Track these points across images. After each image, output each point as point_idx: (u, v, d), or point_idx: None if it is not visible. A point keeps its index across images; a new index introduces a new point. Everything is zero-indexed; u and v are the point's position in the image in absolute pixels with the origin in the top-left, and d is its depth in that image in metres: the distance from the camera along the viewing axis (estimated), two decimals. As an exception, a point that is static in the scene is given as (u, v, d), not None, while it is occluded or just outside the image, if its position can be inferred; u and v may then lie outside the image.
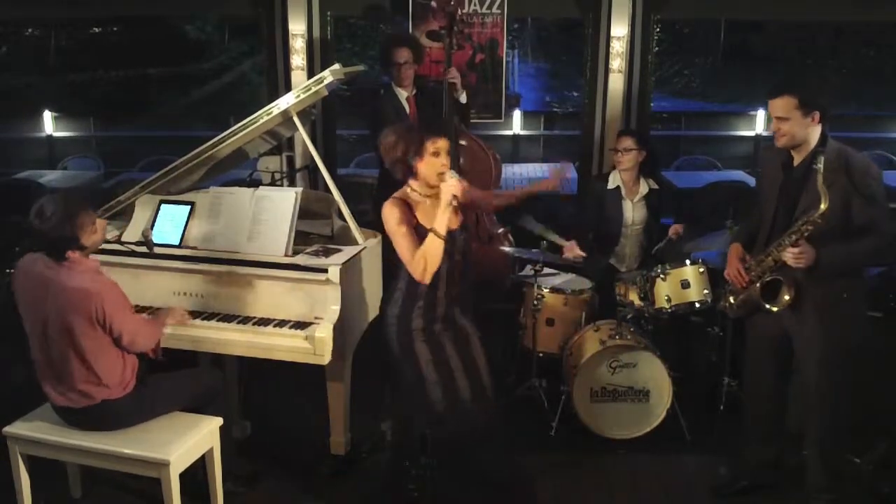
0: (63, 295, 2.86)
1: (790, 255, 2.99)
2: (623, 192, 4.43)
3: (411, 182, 2.96)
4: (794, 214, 3.04)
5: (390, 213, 2.90)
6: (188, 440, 3.03)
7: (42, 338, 2.94)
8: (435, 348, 2.96)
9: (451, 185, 2.80)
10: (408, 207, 2.91)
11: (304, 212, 3.61)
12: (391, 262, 3.10)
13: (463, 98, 4.52)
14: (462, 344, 3.03)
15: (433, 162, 2.86)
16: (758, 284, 3.15)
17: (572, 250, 4.28)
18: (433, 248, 2.79)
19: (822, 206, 2.88)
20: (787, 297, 3.07)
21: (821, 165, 2.88)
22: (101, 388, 2.95)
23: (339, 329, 3.30)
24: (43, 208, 2.82)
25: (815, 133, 3.01)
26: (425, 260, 2.80)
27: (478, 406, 2.97)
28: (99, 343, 2.91)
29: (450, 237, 2.87)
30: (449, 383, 2.94)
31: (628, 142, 4.36)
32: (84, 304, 2.84)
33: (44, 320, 2.91)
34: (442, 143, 2.86)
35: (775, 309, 3.09)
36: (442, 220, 2.80)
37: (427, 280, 2.83)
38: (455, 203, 2.82)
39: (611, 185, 4.45)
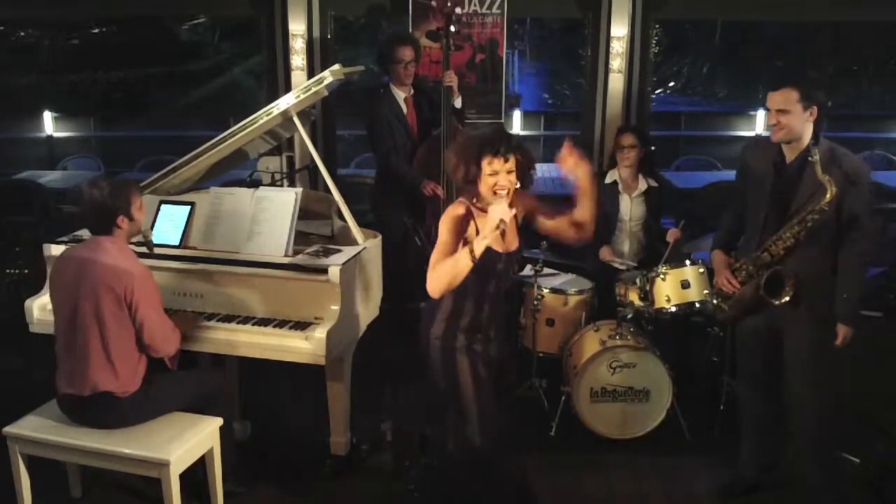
0: (99, 271, 2.95)
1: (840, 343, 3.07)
2: (620, 187, 4.44)
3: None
4: (789, 212, 3.04)
5: (447, 214, 2.77)
6: (188, 440, 3.03)
7: (69, 322, 2.99)
8: (474, 364, 2.85)
9: (499, 210, 2.60)
10: (469, 215, 2.78)
11: (304, 212, 3.61)
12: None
13: (458, 103, 4.52)
14: (492, 374, 2.89)
15: (488, 181, 2.71)
16: (758, 283, 3.11)
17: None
18: (461, 265, 2.59)
19: (828, 195, 2.88)
20: (787, 289, 3.05)
21: (817, 157, 2.87)
22: (111, 378, 2.97)
23: (339, 329, 3.30)
24: (97, 182, 3.03)
25: (809, 129, 3.01)
26: (446, 274, 2.61)
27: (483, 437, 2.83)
28: (122, 326, 2.97)
29: (504, 258, 2.79)
30: (484, 401, 2.83)
31: (630, 139, 4.36)
32: (116, 281, 2.94)
33: (74, 304, 2.97)
34: (497, 164, 2.70)
35: (777, 302, 3.07)
36: (481, 242, 2.58)
37: (436, 295, 2.66)
38: (503, 227, 2.60)
39: (608, 180, 4.46)
